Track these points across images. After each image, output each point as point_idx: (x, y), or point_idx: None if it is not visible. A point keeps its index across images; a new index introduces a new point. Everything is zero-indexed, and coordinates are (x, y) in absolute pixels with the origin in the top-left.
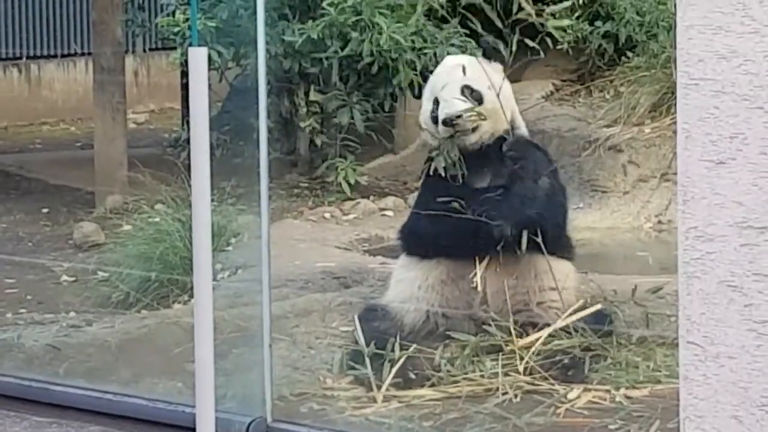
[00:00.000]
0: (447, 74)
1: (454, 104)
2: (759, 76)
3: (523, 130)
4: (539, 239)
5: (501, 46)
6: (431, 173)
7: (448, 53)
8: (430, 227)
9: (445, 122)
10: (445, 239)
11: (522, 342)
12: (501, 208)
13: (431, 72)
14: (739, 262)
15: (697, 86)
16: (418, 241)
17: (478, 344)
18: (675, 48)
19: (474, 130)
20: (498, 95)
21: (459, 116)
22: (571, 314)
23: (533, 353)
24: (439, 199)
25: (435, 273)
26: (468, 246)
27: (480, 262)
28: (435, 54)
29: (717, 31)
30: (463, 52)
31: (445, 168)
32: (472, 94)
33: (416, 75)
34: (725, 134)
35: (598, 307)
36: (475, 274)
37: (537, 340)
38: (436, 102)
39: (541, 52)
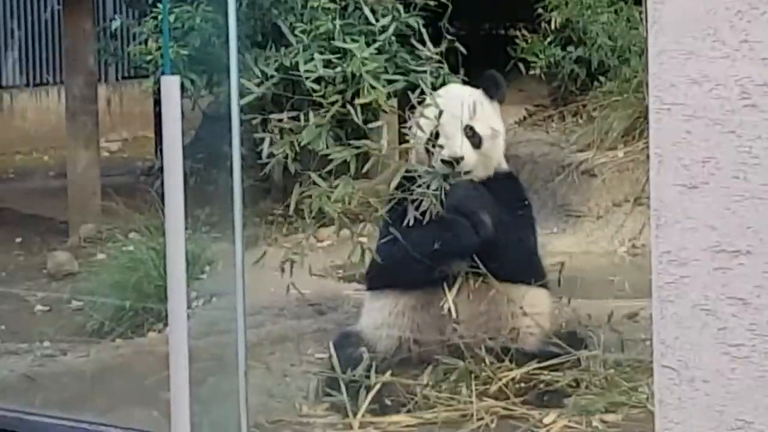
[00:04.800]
0: (450, 106)
1: (457, 146)
2: (730, 101)
3: (504, 166)
4: (510, 266)
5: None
6: (399, 202)
7: (422, 80)
8: (397, 257)
9: (444, 161)
10: (412, 268)
11: (505, 374)
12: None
13: (408, 98)
14: (713, 285)
15: (669, 111)
16: (384, 276)
17: (466, 369)
18: (647, 73)
19: (467, 173)
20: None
21: (462, 158)
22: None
23: (510, 379)
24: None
25: (404, 299)
26: (437, 271)
27: (450, 289)
28: (408, 81)
29: (688, 56)
30: (437, 80)
31: (421, 201)
32: (472, 137)
33: (390, 101)
34: (698, 159)
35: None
36: (446, 301)
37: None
38: (436, 135)
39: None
